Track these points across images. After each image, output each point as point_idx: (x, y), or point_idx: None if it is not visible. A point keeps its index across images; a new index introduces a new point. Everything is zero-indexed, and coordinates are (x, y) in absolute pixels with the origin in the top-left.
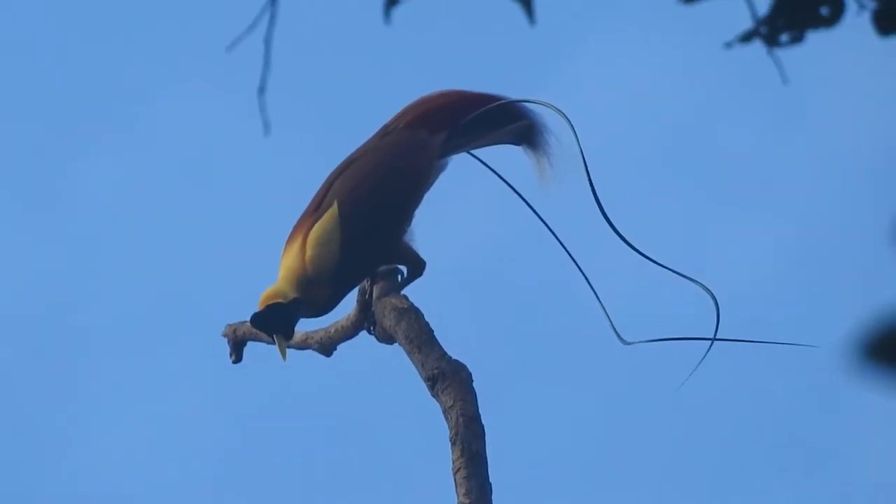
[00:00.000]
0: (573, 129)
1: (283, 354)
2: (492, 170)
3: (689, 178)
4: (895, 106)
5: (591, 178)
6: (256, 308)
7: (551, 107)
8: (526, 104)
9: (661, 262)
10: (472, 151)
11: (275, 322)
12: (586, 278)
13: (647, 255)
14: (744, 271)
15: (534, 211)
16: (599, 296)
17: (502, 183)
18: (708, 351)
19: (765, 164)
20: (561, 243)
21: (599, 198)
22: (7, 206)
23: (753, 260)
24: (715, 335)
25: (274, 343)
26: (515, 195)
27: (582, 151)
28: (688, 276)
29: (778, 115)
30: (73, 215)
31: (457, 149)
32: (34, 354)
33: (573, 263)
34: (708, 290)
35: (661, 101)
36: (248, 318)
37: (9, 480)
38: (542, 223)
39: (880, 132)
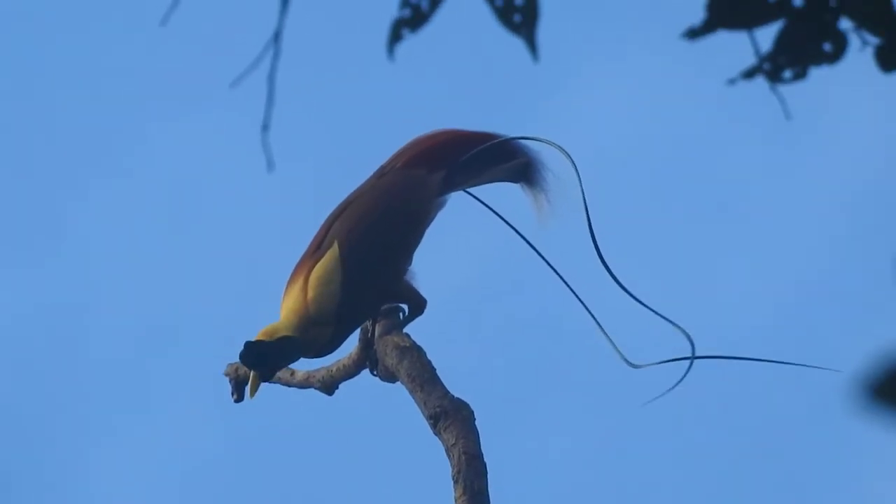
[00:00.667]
0: (573, 164)
1: (252, 391)
2: (487, 206)
3: (688, 211)
4: None
5: (589, 214)
6: None
7: (552, 144)
8: (523, 141)
9: (646, 303)
10: (470, 190)
11: (258, 358)
12: (585, 306)
13: (633, 294)
14: (745, 306)
15: (531, 245)
16: (601, 323)
17: (499, 219)
18: (689, 364)
19: (767, 198)
20: (560, 276)
21: (595, 235)
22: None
23: (754, 295)
24: (690, 364)
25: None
26: (512, 231)
27: (582, 187)
28: (668, 318)
29: (780, 149)
30: (73, 256)
31: (455, 187)
32: (31, 394)
33: (573, 295)
34: (686, 332)
35: (659, 134)
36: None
37: None
38: (540, 258)
39: (884, 167)
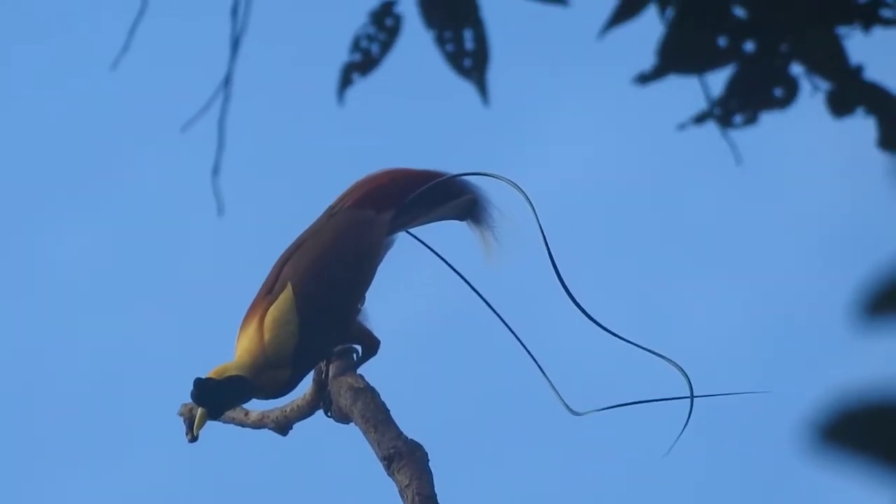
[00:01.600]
0: (527, 197)
1: (196, 428)
2: (430, 249)
3: (649, 247)
4: (852, 180)
5: (550, 249)
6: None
7: (502, 178)
8: (469, 179)
9: (626, 337)
10: (411, 231)
11: (208, 396)
12: (529, 352)
13: (611, 330)
14: (707, 340)
15: (472, 288)
16: (544, 368)
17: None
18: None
19: (726, 235)
20: (501, 319)
21: (560, 271)
22: None
23: (714, 329)
24: (691, 407)
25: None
26: (457, 272)
27: (539, 220)
28: (657, 352)
29: (739, 188)
30: (23, 297)
31: (403, 226)
32: None
33: (516, 339)
34: (677, 365)
35: (617, 172)
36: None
37: None
38: (481, 299)
39: (838, 205)
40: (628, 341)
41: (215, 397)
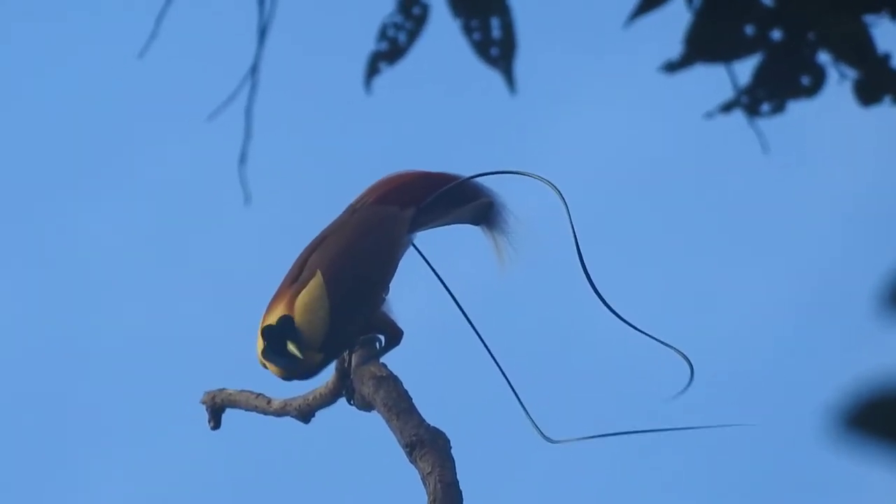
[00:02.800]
0: (559, 191)
1: (260, 353)
2: (423, 257)
3: (676, 235)
4: (880, 170)
5: (578, 240)
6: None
7: (535, 176)
8: (485, 184)
9: (645, 331)
10: (415, 239)
11: (273, 336)
12: (508, 381)
13: (631, 323)
14: (738, 329)
15: (457, 304)
16: (520, 396)
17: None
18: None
19: (754, 223)
20: (480, 337)
21: (585, 263)
22: None
23: (746, 317)
24: (690, 379)
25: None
26: (446, 287)
27: (569, 212)
28: (668, 343)
29: (765, 177)
30: (60, 278)
31: (423, 225)
32: (24, 410)
33: (492, 359)
34: (685, 355)
35: (645, 162)
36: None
37: None
38: (465, 317)
39: (868, 193)
40: (646, 333)
41: (276, 342)
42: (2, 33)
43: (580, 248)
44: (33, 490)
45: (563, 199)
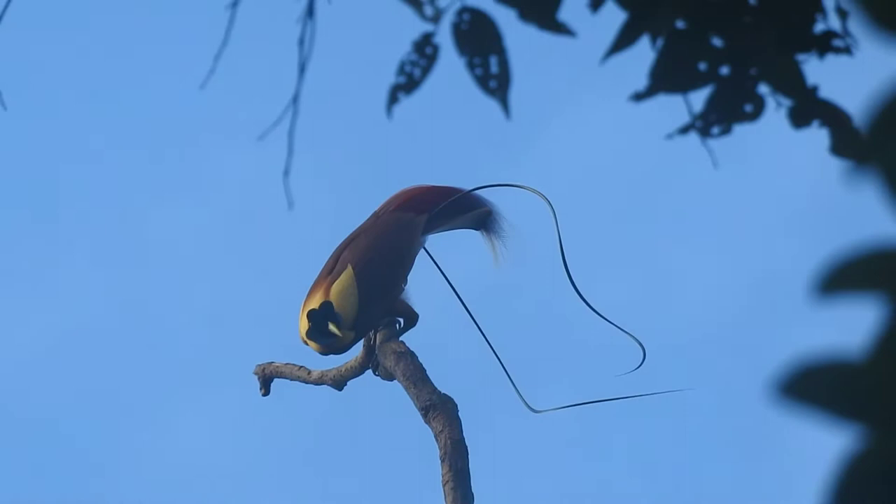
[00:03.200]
0: (546, 199)
1: (303, 332)
2: (430, 256)
3: (643, 233)
4: (813, 180)
5: (562, 242)
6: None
7: (527, 188)
8: (485, 195)
9: (611, 320)
10: (427, 240)
11: (318, 318)
12: (500, 361)
13: (601, 313)
14: (691, 307)
15: (459, 299)
16: (508, 370)
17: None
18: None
19: (708, 224)
20: (479, 328)
21: (566, 259)
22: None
23: (699, 304)
24: (643, 358)
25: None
26: (450, 283)
27: (555, 216)
28: (628, 331)
29: (717, 188)
30: (137, 265)
31: (434, 229)
32: (98, 379)
33: (487, 344)
34: (639, 341)
35: (616, 173)
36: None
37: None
38: (465, 310)
39: (799, 198)
40: (610, 322)
41: (320, 322)
42: (101, 64)
43: (563, 247)
44: (126, 432)
45: (549, 202)
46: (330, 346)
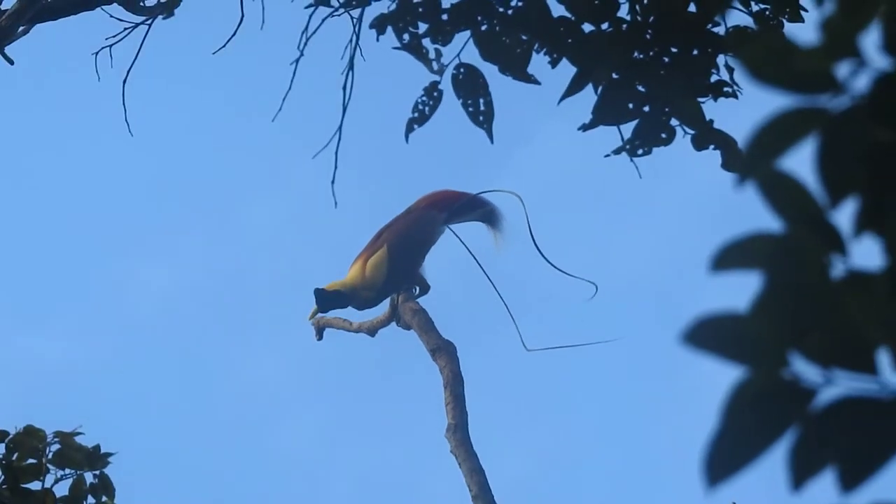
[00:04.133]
0: (519, 197)
1: (311, 316)
2: (459, 238)
3: (590, 218)
4: (706, 187)
5: (531, 225)
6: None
7: (506, 191)
8: (490, 196)
9: (569, 272)
10: (453, 229)
11: (320, 298)
12: (505, 304)
13: (557, 266)
14: (627, 272)
15: (481, 267)
16: (514, 315)
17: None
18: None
19: (636, 215)
20: (496, 289)
21: (534, 233)
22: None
23: (632, 272)
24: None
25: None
26: (473, 258)
27: (525, 208)
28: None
29: (639, 190)
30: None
31: (450, 221)
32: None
33: (502, 301)
34: (591, 282)
35: (571, 182)
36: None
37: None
38: (485, 276)
39: (699, 200)
40: (573, 276)
41: (323, 299)
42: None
43: (531, 228)
44: (226, 361)
45: (521, 199)
46: (358, 302)
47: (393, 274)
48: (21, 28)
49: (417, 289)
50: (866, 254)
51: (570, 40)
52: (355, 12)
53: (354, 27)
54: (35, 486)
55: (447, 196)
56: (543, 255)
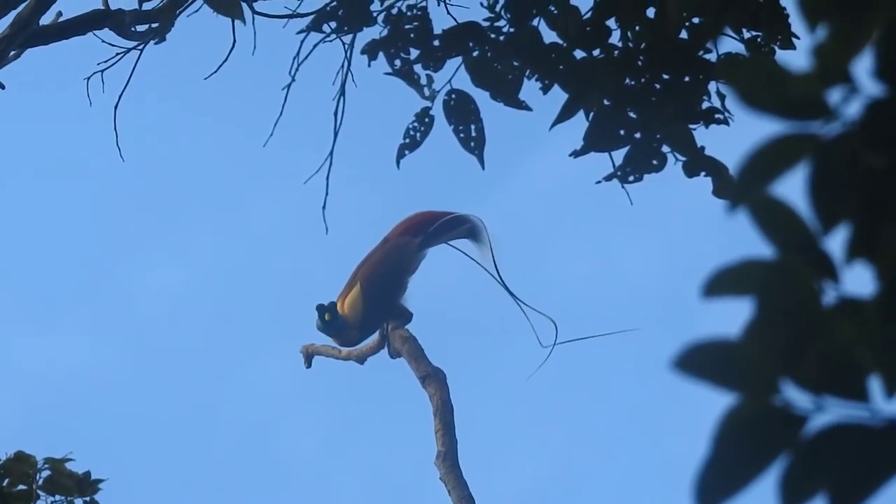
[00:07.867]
0: (484, 224)
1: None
2: (462, 252)
3: (579, 245)
4: (697, 214)
5: (495, 256)
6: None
7: (473, 216)
8: (468, 214)
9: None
10: (449, 244)
11: (325, 322)
12: (518, 301)
13: (518, 298)
14: (623, 291)
15: (485, 269)
16: (530, 319)
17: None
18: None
19: (624, 239)
20: (504, 285)
21: (498, 266)
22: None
23: (610, 298)
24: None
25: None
26: (477, 264)
27: (490, 239)
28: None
29: (630, 216)
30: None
31: (429, 245)
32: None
33: (512, 297)
34: (551, 319)
35: (558, 208)
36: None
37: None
38: (490, 275)
39: (690, 226)
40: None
41: (325, 322)
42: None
43: (495, 258)
44: (223, 378)
45: (485, 224)
46: (344, 339)
47: (370, 311)
48: (12, 53)
49: (407, 316)
50: (858, 280)
51: (561, 66)
52: (347, 38)
53: (346, 53)
54: None
55: (423, 218)
56: (507, 288)
